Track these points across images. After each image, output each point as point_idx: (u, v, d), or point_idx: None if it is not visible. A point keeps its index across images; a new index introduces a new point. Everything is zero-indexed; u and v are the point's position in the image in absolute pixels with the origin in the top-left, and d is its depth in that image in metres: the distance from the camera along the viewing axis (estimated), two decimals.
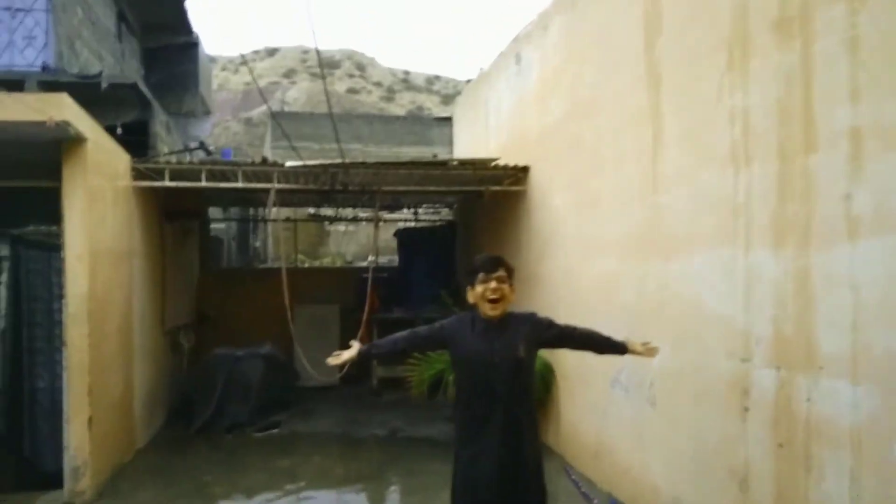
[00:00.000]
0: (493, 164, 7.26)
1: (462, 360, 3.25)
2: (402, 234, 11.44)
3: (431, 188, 7.96)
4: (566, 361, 6.30)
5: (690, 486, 4.25)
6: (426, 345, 3.67)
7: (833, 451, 3.10)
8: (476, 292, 3.17)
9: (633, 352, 3.45)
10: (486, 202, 8.15)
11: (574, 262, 6.10)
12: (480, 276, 3.15)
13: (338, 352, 3.48)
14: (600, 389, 5.53)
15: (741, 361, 3.75)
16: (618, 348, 3.46)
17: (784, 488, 3.42)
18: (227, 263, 14.83)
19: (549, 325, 3.39)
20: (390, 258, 13.68)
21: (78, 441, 5.31)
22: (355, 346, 3.46)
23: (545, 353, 6.68)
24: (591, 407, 5.73)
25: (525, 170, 7.25)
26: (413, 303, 9.80)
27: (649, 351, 3.46)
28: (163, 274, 7.78)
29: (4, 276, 9.16)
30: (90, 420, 5.34)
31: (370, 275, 7.86)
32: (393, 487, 6.01)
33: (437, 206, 12.17)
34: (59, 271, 5.58)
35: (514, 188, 7.46)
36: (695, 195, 4.23)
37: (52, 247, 9.39)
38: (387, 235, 13.38)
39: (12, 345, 9.10)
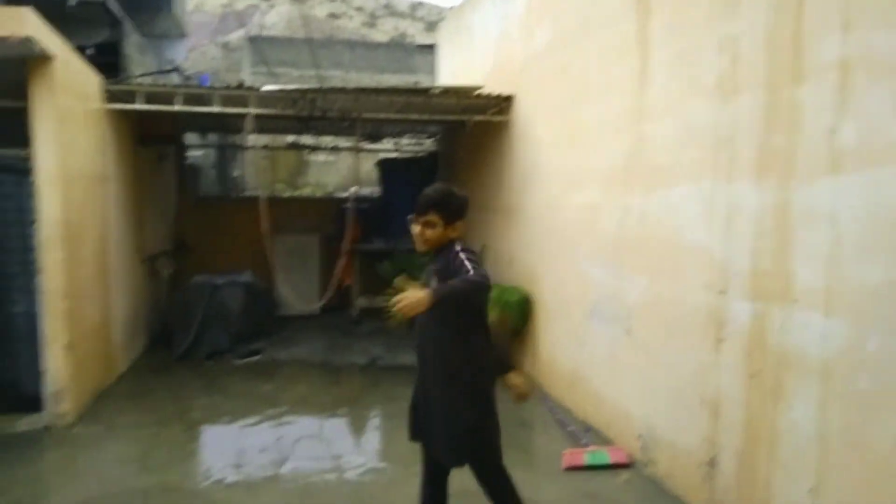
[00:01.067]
0: (477, 92, 7.12)
1: None
2: (383, 165, 11.30)
3: (414, 116, 7.81)
4: (545, 292, 6.36)
5: (663, 413, 4.36)
6: None
7: (802, 381, 3.17)
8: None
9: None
10: (470, 132, 8.03)
11: (556, 193, 6.07)
12: (413, 216, 3.22)
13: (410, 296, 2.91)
14: (578, 320, 5.60)
15: (718, 294, 3.79)
16: None
17: (753, 416, 3.51)
18: (206, 192, 14.61)
19: (457, 269, 2.96)
20: (371, 189, 13.54)
21: (57, 365, 5.31)
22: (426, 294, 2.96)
23: (526, 284, 6.74)
24: (569, 337, 5.82)
25: (509, 99, 7.12)
26: (393, 233, 9.75)
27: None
28: (139, 200, 7.65)
29: None
30: (69, 345, 5.33)
31: (351, 205, 7.78)
32: (373, 412, 6.13)
33: (419, 135, 12.00)
34: (31, 196, 5.45)
35: (497, 118, 7.34)
36: (680, 126, 4.18)
37: (23, 171, 9.17)
38: (368, 166, 13.20)
39: None
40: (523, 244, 6.90)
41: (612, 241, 5.02)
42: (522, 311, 6.56)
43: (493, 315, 6.63)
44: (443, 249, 3.17)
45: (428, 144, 12.57)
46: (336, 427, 5.78)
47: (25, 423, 5.44)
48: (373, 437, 5.74)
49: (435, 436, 3.16)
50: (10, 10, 4.73)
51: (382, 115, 7.51)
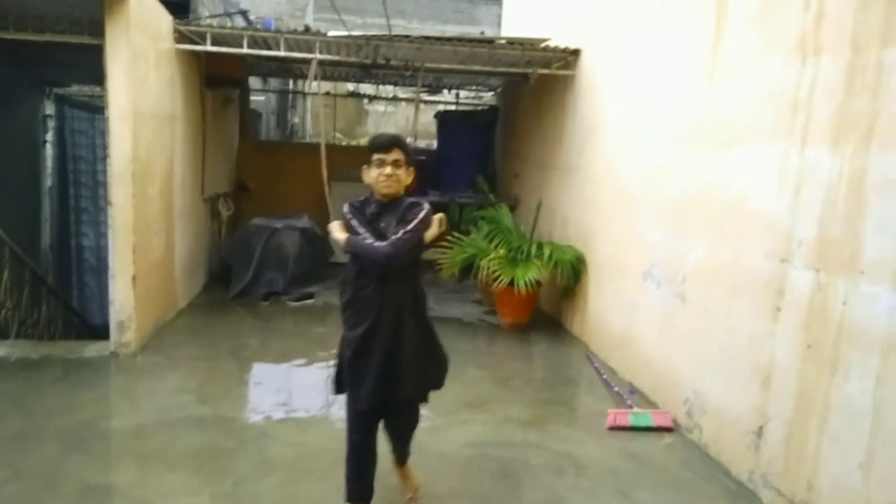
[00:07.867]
0: (543, 45, 6.97)
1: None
2: (442, 116, 11.24)
3: (477, 68, 7.70)
4: (599, 253, 6.30)
5: (712, 379, 4.32)
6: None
7: (862, 355, 3.08)
8: (371, 175, 3.13)
9: None
10: (532, 87, 7.90)
11: (618, 153, 5.95)
12: (376, 158, 3.09)
13: (338, 224, 3.28)
14: (631, 282, 5.54)
15: (780, 261, 3.69)
16: None
17: (806, 388, 3.44)
18: (266, 137, 14.83)
19: (410, 220, 3.13)
20: (428, 142, 13.51)
21: (123, 297, 5.54)
22: (344, 236, 3.24)
23: (580, 244, 6.69)
24: (620, 299, 5.77)
25: (576, 53, 6.96)
26: (448, 186, 9.76)
27: None
28: (203, 141, 7.81)
29: (50, 135, 9.33)
30: (134, 278, 5.55)
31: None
32: None
33: (479, 88, 11.87)
34: (103, 132, 5.62)
35: (562, 72, 7.20)
36: (754, 87, 4.02)
37: (96, 108, 9.46)
38: (426, 119, 13.15)
39: (59, 203, 9.42)
40: (580, 204, 6.82)
41: (674, 203, 4.91)
42: (575, 270, 6.53)
43: (545, 272, 6.62)
44: (399, 200, 3.17)
45: (487, 98, 12.43)
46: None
47: (92, 350, 5.72)
48: None
49: (404, 378, 3.19)
50: None
51: (445, 66, 7.43)
